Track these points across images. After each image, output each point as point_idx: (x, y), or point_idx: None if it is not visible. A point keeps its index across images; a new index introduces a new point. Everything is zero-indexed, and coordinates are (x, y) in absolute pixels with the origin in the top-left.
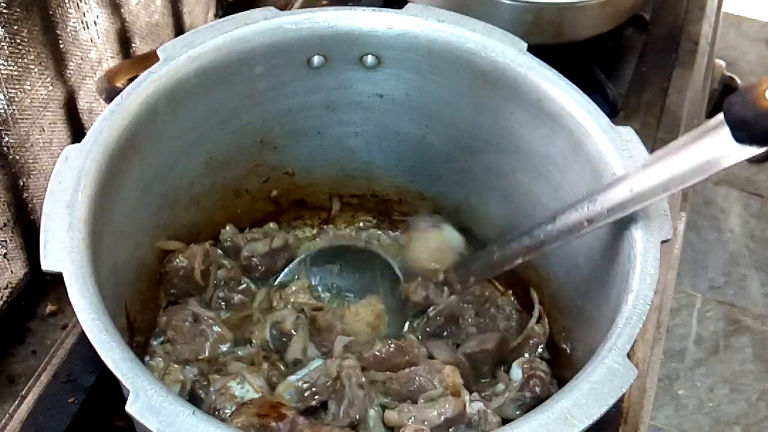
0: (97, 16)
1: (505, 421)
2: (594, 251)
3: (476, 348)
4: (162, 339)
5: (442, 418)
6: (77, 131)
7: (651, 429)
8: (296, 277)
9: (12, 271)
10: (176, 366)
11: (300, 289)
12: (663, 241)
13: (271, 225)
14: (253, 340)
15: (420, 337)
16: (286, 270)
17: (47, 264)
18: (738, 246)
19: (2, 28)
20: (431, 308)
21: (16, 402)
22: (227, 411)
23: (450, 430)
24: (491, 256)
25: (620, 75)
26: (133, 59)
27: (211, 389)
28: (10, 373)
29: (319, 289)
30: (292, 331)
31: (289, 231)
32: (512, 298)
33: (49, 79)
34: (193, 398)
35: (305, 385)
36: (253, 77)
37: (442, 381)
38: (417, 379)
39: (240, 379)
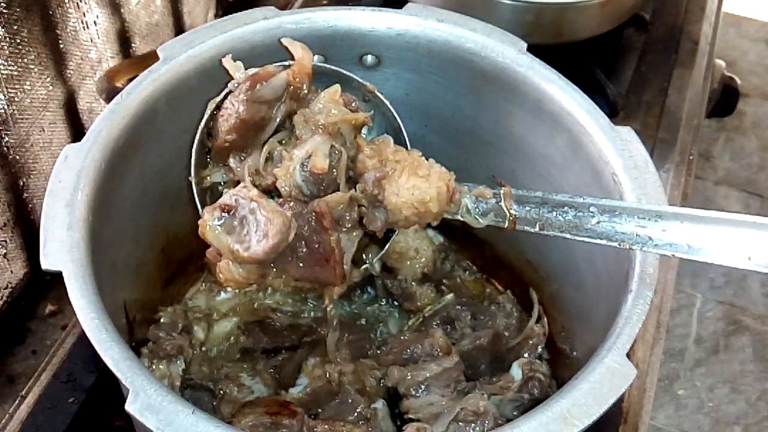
0: (97, 16)
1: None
2: (593, 251)
3: (470, 345)
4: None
5: (442, 366)
6: (77, 131)
7: (651, 429)
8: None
9: (12, 271)
10: (162, 361)
11: (330, 102)
12: None
13: None
14: (282, 187)
15: None
16: None
17: (47, 263)
18: None
19: (2, 28)
20: (427, 308)
21: (16, 402)
22: (238, 395)
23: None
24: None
25: (620, 75)
26: (133, 59)
27: (222, 374)
28: (10, 373)
29: None
30: (332, 170)
31: None
32: (512, 297)
33: (49, 79)
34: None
35: (307, 397)
36: None
37: (432, 345)
38: (410, 347)
39: (251, 371)
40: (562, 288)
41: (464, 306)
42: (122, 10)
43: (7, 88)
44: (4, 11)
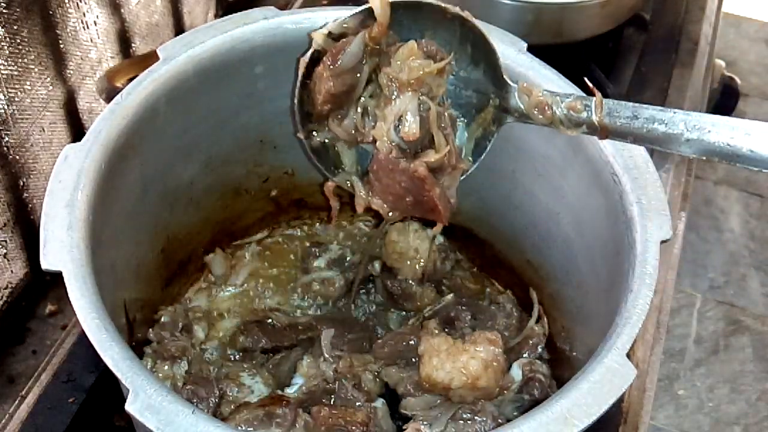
0: (97, 16)
1: None
2: (594, 251)
3: None
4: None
5: None
6: (77, 131)
7: (651, 429)
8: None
9: (12, 271)
10: (165, 363)
11: (409, 58)
12: (663, 241)
13: None
14: (382, 146)
15: None
16: None
17: (47, 263)
18: (738, 246)
19: (2, 28)
20: (427, 308)
21: (16, 402)
22: (238, 395)
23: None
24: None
25: (620, 75)
26: (133, 59)
27: (222, 374)
28: (10, 373)
29: None
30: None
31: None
32: (512, 297)
33: (49, 79)
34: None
35: (304, 396)
36: (253, 77)
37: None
38: (405, 340)
39: (251, 371)
40: (562, 288)
41: (464, 306)
42: (122, 10)
43: (7, 88)
44: (4, 11)
